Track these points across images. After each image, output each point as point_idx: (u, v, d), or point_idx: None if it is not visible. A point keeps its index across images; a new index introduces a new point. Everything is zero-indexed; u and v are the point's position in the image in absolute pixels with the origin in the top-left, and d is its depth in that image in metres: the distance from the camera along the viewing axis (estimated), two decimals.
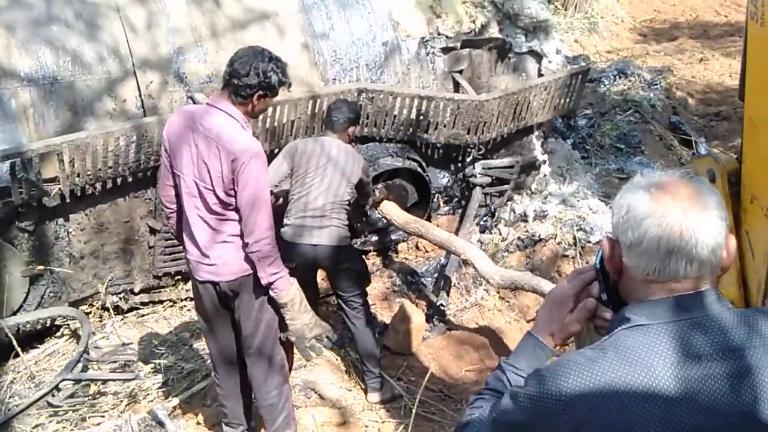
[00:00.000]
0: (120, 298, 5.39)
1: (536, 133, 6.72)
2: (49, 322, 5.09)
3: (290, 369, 4.27)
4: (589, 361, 1.49)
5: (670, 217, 1.50)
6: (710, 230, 1.50)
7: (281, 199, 4.92)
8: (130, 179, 5.05)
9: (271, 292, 3.69)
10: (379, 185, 5.62)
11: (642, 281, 1.55)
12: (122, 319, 5.38)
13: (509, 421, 1.55)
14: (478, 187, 6.49)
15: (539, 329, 1.79)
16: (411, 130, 5.96)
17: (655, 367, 1.46)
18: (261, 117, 4.75)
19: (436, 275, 6.24)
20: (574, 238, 6.22)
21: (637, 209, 1.53)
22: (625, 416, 1.44)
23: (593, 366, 1.47)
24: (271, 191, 5.05)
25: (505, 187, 6.62)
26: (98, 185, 4.94)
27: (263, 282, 3.64)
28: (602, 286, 1.71)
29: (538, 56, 6.59)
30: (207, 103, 3.61)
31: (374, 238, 6.34)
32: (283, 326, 3.84)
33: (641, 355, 1.47)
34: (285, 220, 4.72)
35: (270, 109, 5.01)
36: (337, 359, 5.20)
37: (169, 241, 5.22)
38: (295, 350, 4.32)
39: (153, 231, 5.27)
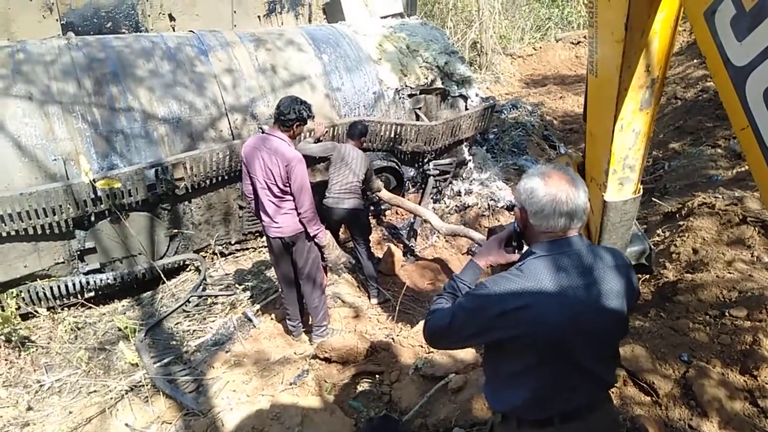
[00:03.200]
0: (223, 247, 5.39)
1: (465, 143, 6.70)
2: (181, 262, 5.10)
3: (326, 286, 4.31)
4: (515, 276, 1.53)
5: (558, 194, 1.52)
6: (581, 200, 1.54)
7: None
8: (226, 177, 5.01)
9: (315, 240, 3.73)
10: (376, 177, 5.58)
11: (540, 232, 1.58)
12: (225, 260, 5.39)
13: (465, 308, 1.56)
14: (431, 177, 6.49)
15: (478, 258, 1.80)
16: (391, 143, 5.92)
17: (546, 279, 1.51)
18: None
19: (408, 228, 6.27)
20: (488, 205, 6.24)
21: (537, 190, 1.55)
22: (534, 302, 1.48)
23: (517, 279, 1.52)
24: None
25: (447, 176, 6.62)
26: (207, 181, 4.91)
27: (310, 234, 3.67)
28: (515, 236, 1.74)
29: (465, 98, 6.54)
30: (266, 132, 3.58)
31: (372, 207, 6.34)
32: (322, 258, 3.89)
33: (540, 273, 1.52)
34: (327, 194, 4.78)
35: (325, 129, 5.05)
36: (352, 279, 5.24)
37: (250, 214, 5.21)
38: (329, 273, 4.38)
39: (241, 207, 5.25)
